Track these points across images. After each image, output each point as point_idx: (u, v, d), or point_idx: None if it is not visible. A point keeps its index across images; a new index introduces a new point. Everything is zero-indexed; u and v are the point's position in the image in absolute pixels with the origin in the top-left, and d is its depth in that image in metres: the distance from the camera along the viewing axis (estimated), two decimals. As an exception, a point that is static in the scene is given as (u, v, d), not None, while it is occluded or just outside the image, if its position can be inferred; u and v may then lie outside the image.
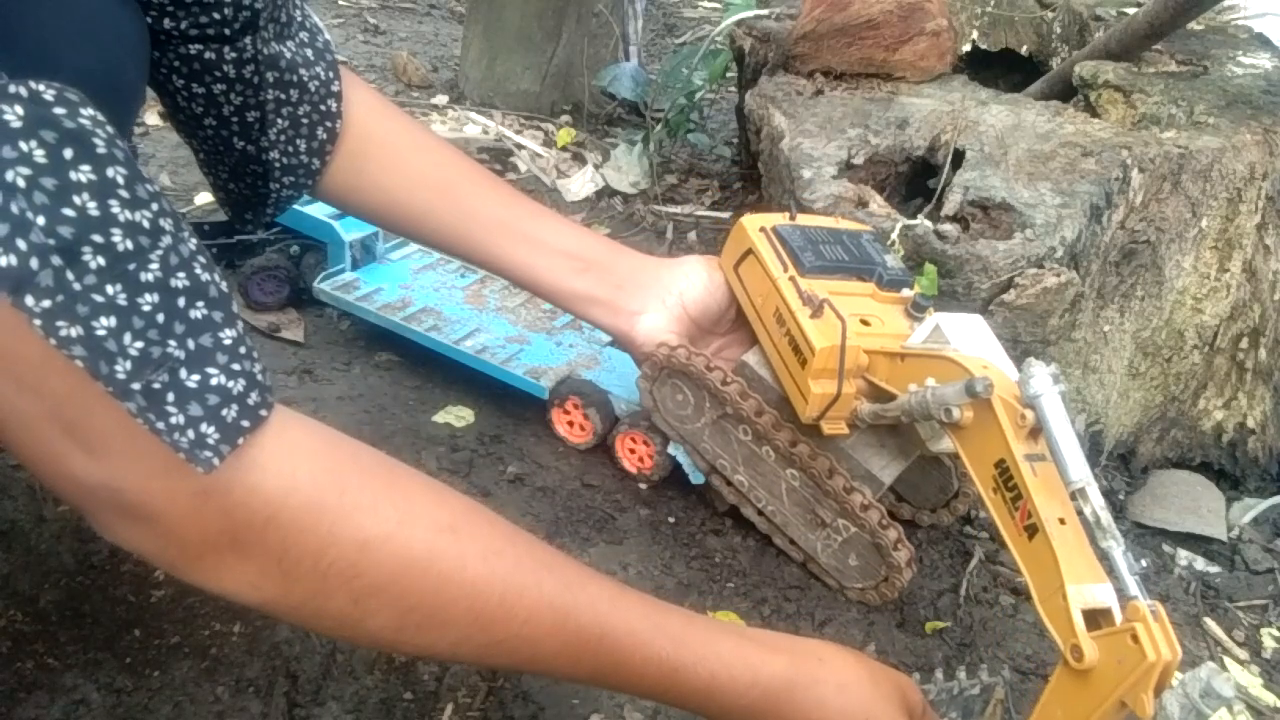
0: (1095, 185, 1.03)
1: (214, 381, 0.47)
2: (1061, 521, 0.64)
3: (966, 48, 1.49)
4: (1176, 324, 1.15)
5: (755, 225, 0.92)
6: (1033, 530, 0.65)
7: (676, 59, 1.86)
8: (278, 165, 0.80)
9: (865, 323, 0.84)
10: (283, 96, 0.77)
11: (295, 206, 1.20)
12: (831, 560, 0.92)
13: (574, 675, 0.60)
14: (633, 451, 1.04)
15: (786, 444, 0.89)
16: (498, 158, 1.72)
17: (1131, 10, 1.37)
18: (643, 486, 1.04)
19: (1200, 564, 1.08)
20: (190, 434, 0.47)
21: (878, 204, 1.06)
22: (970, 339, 0.79)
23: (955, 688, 0.73)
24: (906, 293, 0.88)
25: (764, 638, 0.66)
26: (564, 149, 1.79)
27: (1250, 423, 1.22)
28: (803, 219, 0.95)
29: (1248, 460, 1.23)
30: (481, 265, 0.97)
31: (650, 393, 0.97)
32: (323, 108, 0.80)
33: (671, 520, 0.99)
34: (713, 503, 1.00)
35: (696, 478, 1.00)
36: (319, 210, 1.20)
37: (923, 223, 1.00)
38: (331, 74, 0.80)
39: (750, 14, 1.52)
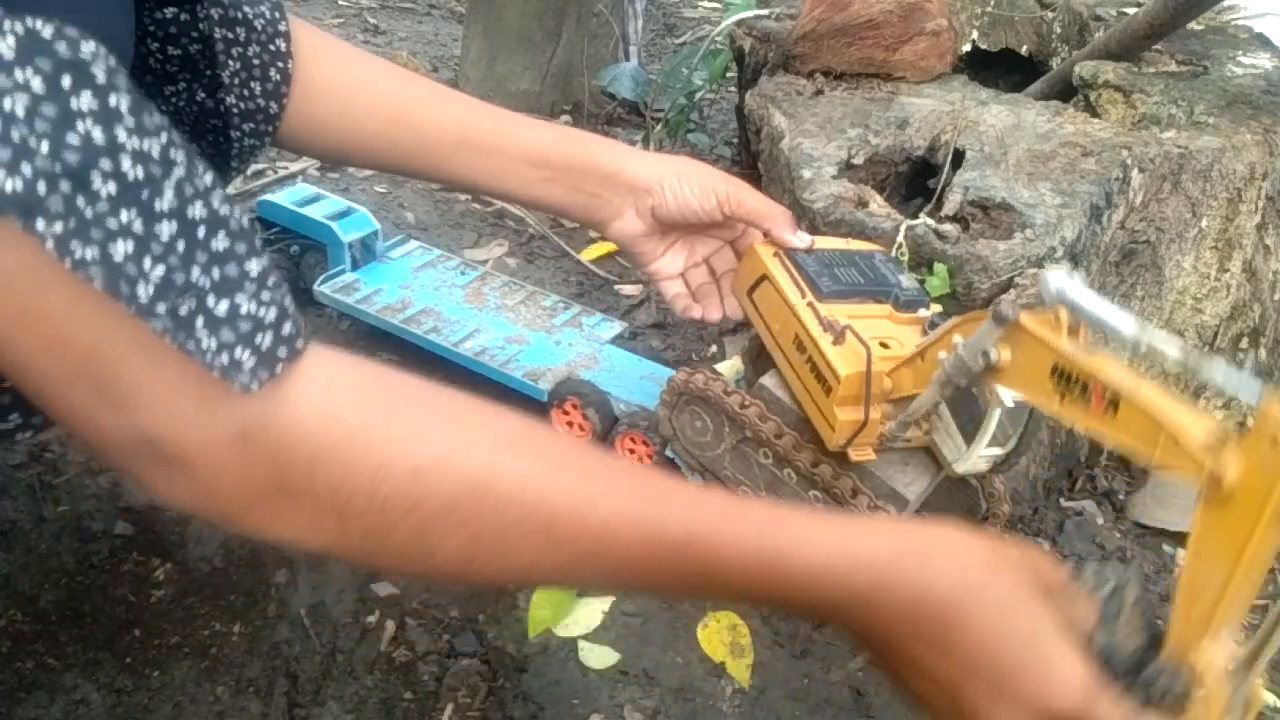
0: (1095, 185, 1.03)
1: (244, 310, 0.45)
2: (1138, 384, 0.61)
3: (966, 48, 1.49)
4: (1176, 324, 1.15)
5: (769, 251, 0.92)
6: (1114, 404, 0.61)
7: (676, 59, 1.86)
8: (236, 111, 0.78)
9: (884, 345, 0.84)
10: (230, 35, 0.75)
11: (295, 207, 1.21)
12: None
13: (665, 586, 0.56)
14: (632, 452, 1.04)
15: (808, 465, 0.88)
16: (498, 158, 1.71)
17: (1131, 10, 1.37)
18: (643, 486, 1.03)
19: (1200, 564, 1.08)
20: (224, 357, 0.45)
21: (878, 204, 1.06)
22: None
23: (1084, 588, 0.66)
24: (923, 313, 0.88)
25: (859, 519, 0.60)
26: (564, 149, 1.79)
27: (1250, 423, 1.22)
28: (814, 241, 0.95)
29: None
30: (452, 185, 0.95)
31: (669, 420, 0.97)
32: (271, 47, 0.78)
33: (671, 520, 0.99)
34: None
35: (695, 479, 1.00)
36: (319, 211, 1.21)
37: (923, 222, 1.00)
38: (277, 14, 0.79)
39: (750, 14, 1.52)
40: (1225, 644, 0.56)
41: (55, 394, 0.44)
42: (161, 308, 0.43)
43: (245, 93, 0.78)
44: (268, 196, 1.23)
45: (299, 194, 1.25)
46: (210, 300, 0.44)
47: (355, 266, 1.21)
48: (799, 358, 0.86)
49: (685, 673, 0.83)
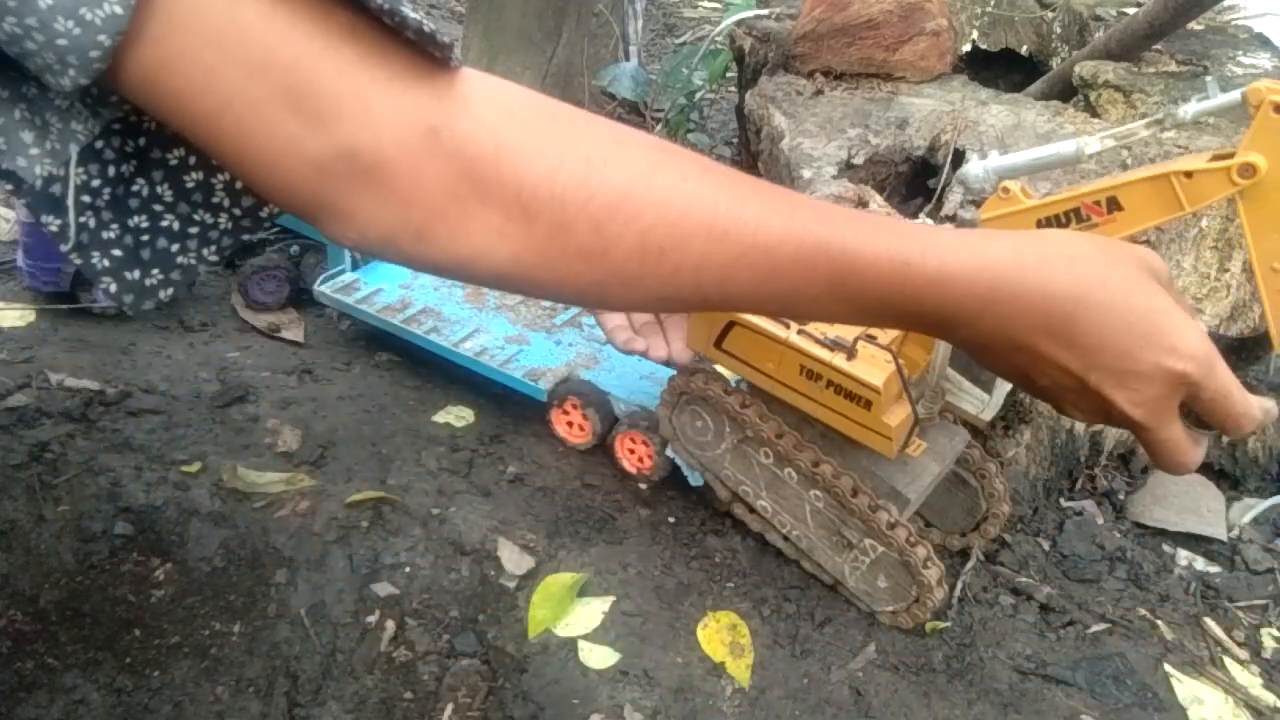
0: (1095, 185, 1.03)
1: (412, 15, 0.47)
2: (1120, 179, 0.64)
3: (966, 48, 1.49)
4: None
5: None
6: (1113, 202, 0.64)
7: (676, 59, 1.87)
8: None
9: (871, 337, 0.83)
10: None
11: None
12: (860, 584, 0.91)
13: (812, 290, 0.56)
14: (632, 452, 1.04)
15: (809, 464, 0.88)
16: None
17: (1131, 10, 1.37)
18: (642, 486, 1.04)
19: (1200, 564, 1.08)
20: (427, 37, 0.46)
21: (878, 204, 1.06)
22: None
23: None
24: None
25: (980, 230, 0.62)
26: (564, 149, 1.79)
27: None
28: None
29: (1248, 460, 1.23)
30: None
31: (669, 420, 0.97)
32: None
33: (671, 520, 0.99)
34: (712, 503, 1.00)
35: (695, 479, 1.00)
36: (319, 210, 1.21)
37: (923, 222, 1.00)
38: None
39: (750, 14, 1.52)
40: None
41: (256, 127, 0.45)
42: None
43: None
44: (268, 196, 1.23)
45: (299, 194, 1.24)
46: (391, 2, 0.46)
47: (355, 266, 1.21)
48: (815, 387, 0.84)
49: (685, 673, 0.83)
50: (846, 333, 0.83)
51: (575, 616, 0.87)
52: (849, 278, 0.55)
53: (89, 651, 0.79)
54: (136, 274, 0.57)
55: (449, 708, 0.80)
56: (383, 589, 0.88)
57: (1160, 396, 0.56)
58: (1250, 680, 0.94)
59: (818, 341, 0.84)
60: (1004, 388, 0.84)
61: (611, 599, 0.88)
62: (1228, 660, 0.96)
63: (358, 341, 1.22)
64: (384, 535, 0.91)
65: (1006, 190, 0.67)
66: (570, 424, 1.07)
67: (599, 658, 0.84)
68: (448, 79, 0.48)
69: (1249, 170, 0.58)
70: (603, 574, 0.91)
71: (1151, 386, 0.56)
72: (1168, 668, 0.92)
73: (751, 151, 1.33)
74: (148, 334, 1.17)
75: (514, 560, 0.91)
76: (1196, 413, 0.57)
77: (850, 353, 0.82)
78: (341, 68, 0.45)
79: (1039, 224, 0.67)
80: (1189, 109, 0.61)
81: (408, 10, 0.46)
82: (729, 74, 1.74)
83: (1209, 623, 0.99)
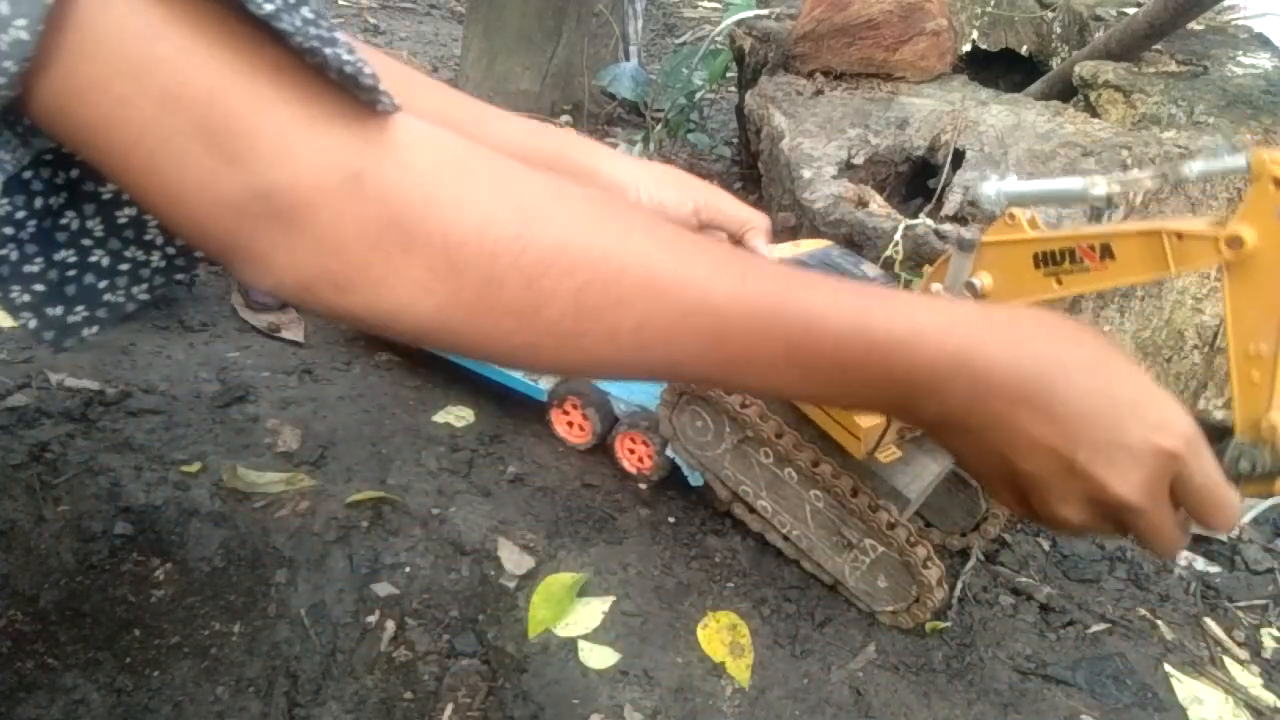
0: (1095, 185, 1.03)
1: (345, 57, 0.44)
2: (1118, 228, 0.63)
3: (966, 48, 1.49)
4: (1176, 324, 1.15)
5: None
6: (1106, 250, 0.63)
7: (676, 59, 1.87)
8: None
9: None
10: None
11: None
12: (861, 584, 0.91)
13: (766, 357, 0.52)
14: (632, 452, 1.04)
15: (809, 464, 0.88)
16: (498, 158, 1.72)
17: (1131, 10, 1.37)
18: (642, 486, 1.04)
19: (1200, 564, 1.08)
20: (357, 75, 0.44)
21: (878, 204, 1.06)
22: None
23: None
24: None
25: (938, 293, 0.60)
26: (564, 149, 1.79)
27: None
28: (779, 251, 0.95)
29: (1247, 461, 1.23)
30: None
31: (669, 420, 0.97)
32: None
33: (671, 520, 0.99)
34: (712, 503, 1.00)
35: (695, 479, 1.00)
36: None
37: (923, 222, 1.00)
38: None
39: (750, 14, 1.52)
40: None
41: (169, 163, 0.43)
42: (286, 21, 0.42)
43: None
44: (268, 196, 1.23)
45: (299, 194, 1.24)
46: (314, 42, 0.43)
47: (355, 266, 1.21)
48: None
49: (685, 673, 0.83)
50: None
51: (575, 616, 0.87)
52: (807, 340, 0.51)
53: (89, 651, 0.79)
54: (60, 310, 0.54)
55: (449, 708, 0.80)
56: (383, 589, 0.88)
57: (1151, 477, 0.52)
58: (1250, 680, 0.94)
59: None
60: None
61: (611, 599, 0.88)
62: (1228, 660, 0.96)
63: (358, 341, 1.22)
64: (384, 535, 0.91)
65: (1013, 217, 0.66)
66: (570, 424, 1.07)
67: (599, 658, 0.84)
68: (378, 123, 0.46)
69: (1237, 242, 0.55)
70: (603, 574, 0.91)
71: (1142, 465, 0.51)
72: (1168, 668, 0.92)
73: (751, 151, 1.33)
74: (148, 334, 1.17)
75: (514, 560, 0.91)
76: (1179, 502, 0.54)
77: None
78: (262, 105, 0.43)
79: (1036, 257, 0.66)
80: (1194, 167, 0.59)
81: (340, 51, 0.43)
82: (729, 74, 1.74)
83: (1209, 623, 0.99)
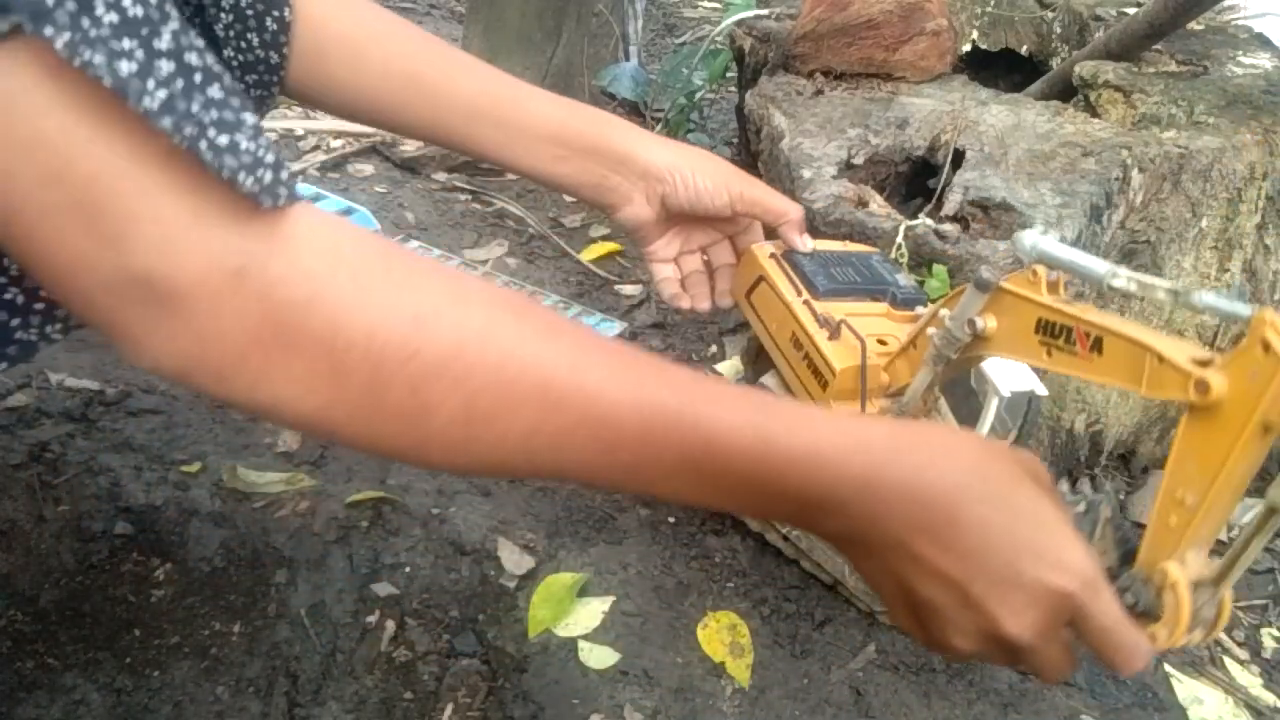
0: (1095, 185, 1.03)
1: (244, 147, 0.44)
2: (1118, 319, 0.62)
3: (966, 48, 1.49)
4: (1176, 324, 1.15)
5: (765, 253, 0.92)
6: (1098, 344, 0.61)
7: (676, 59, 1.87)
8: (235, 64, 0.77)
9: (882, 342, 0.84)
10: None
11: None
12: (861, 583, 0.91)
13: (660, 467, 0.51)
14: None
15: None
16: (498, 158, 1.71)
17: (1131, 10, 1.37)
18: (643, 486, 1.04)
19: (1200, 564, 1.08)
20: (238, 177, 0.43)
21: (878, 204, 1.06)
22: (1015, 380, 0.79)
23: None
24: (920, 311, 0.88)
25: (850, 411, 0.58)
26: (564, 149, 1.79)
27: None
28: (812, 243, 0.95)
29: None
30: (463, 153, 0.94)
31: None
32: None
33: (671, 520, 0.99)
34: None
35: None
36: (319, 210, 1.21)
37: (923, 222, 1.00)
38: None
39: (750, 14, 1.52)
40: (1196, 558, 0.55)
41: (47, 237, 0.42)
42: (167, 120, 0.41)
43: (242, 44, 0.77)
44: (268, 196, 1.23)
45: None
46: (211, 132, 0.43)
47: (355, 266, 1.21)
48: (796, 355, 0.86)
49: (685, 673, 0.83)
50: (838, 313, 0.84)
51: (575, 616, 0.87)
52: (703, 453, 0.51)
53: (89, 651, 0.79)
54: None
55: (449, 708, 0.80)
56: (383, 589, 0.88)
57: (1044, 617, 0.52)
58: (1250, 680, 0.94)
59: (813, 315, 0.85)
60: (984, 429, 0.82)
61: (611, 599, 0.88)
62: (1228, 660, 0.96)
63: (358, 341, 1.22)
64: (384, 535, 0.91)
65: (1035, 274, 0.66)
66: (570, 424, 1.07)
67: (599, 658, 0.84)
68: (269, 218, 0.45)
69: (1203, 388, 0.53)
70: (603, 574, 0.91)
71: (1036, 605, 0.51)
72: (1168, 668, 0.92)
73: (751, 151, 1.33)
74: (148, 334, 1.17)
75: (514, 560, 0.91)
76: (1081, 641, 0.53)
77: (833, 333, 0.83)
78: (146, 191, 0.42)
79: (1038, 322, 0.66)
80: (1204, 299, 0.57)
81: (224, 150, 0.43)
82: (729, 74, 1.74)
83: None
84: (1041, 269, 0.66)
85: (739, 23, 1.51)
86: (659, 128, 1.70)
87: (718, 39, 1.61)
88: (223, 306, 0.44)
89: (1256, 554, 0.58)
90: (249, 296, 0.44)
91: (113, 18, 0.41)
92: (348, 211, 1.22)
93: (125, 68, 0.40)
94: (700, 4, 2.96)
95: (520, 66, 1.89)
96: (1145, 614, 0.56)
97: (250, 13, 0.76)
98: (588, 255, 1.46)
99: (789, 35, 1.33)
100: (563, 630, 0.85)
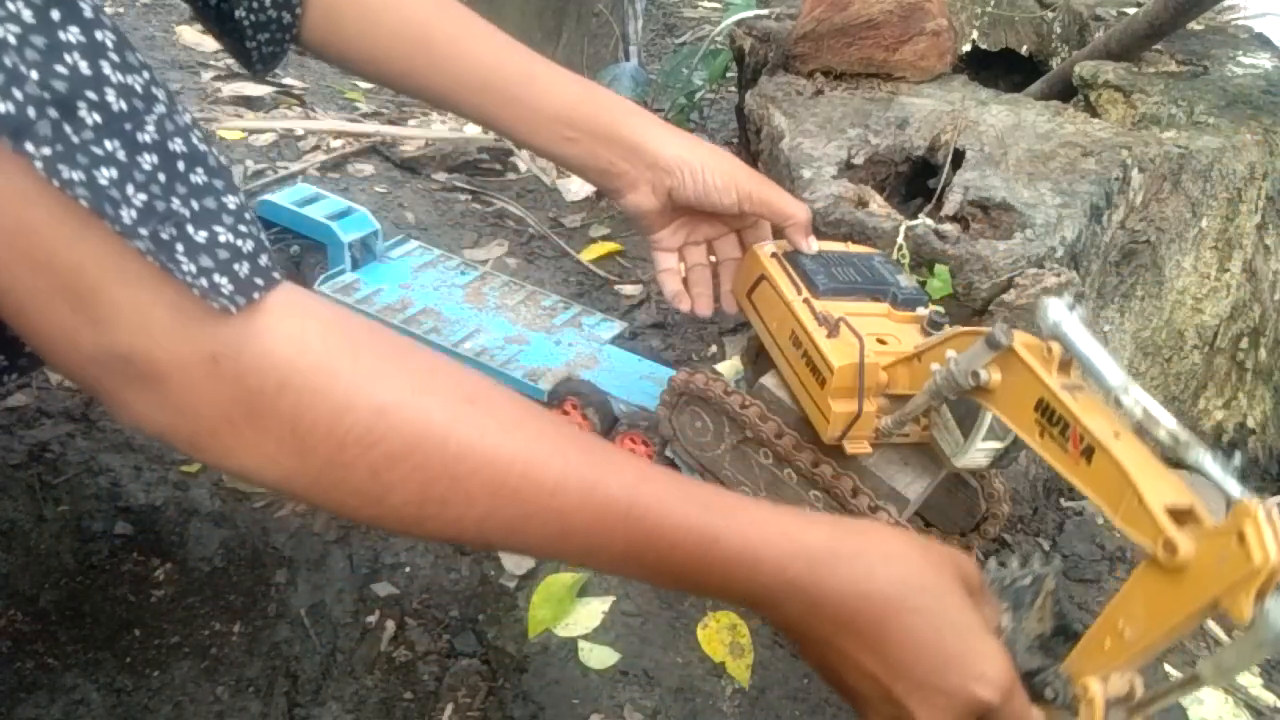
0: (1095, 185, 1.03)
1: (222, 239, 0.47)
2: (1116, 435, 0.62)
3: (966, 48, 1.49)
4: (1176, 324, 1.15)
5: (766, 252, 0.92)
6: (1089, 452, 0.62)
7: (676, 59, 1.87)
8: (248, 23, 0.79)
9: (882, 341, 0.84)
10: None
11: (295, 207, 1.21)
12: None
13: (610, 554, 0.55)
14: (632, 451, 1.04)
15: (808, 465, 0.88)
16: (498, 157, 1.72)
17: (1131, 10, 1.37)
18: (643, 486, 1.04)
19: (1200, 564, 1.08)
20: (204, 282, 0.46)
21: (878, 204, 1.06)
22: None
23: (1006, 577, 0.69)
24: (921, 311, 0.88)
25: (797, 510, 0.60)
26: (564, 149, 1.79)
27: (1250, 423, 1.22)
28: (817, 245, 0.95)
29: (1248, 460, 1.23)
30: (473, 121, 0.93)
31: (669, 420, 0.97)
32: None
33: (671, 520, 0.99)
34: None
35: (696, 479, 1.00)
36: (319, 211, 1.21)
37: (923, 222, 1.00)
38: None
39: (750, 14, 1.52)
40: (1119, 679, 0.58)
41: (34, 313, 0.46)
42: (144, 230, 0.44)
43: (254, 4, 0.79)
44: (268, 196, 1.23)
45: (299, 194, 1.25)
46: (190, 228, 0.46)
47: (355, 266, 1.21)
48: (795, 354, 0.86)
49: (685, 673, 0.83)
50: (838, 311, 0.84)
51: (575, 616, 0.87)
52: (646, 548, 0.54)
53: (89, 651, 0.79)
54: None
55: (449, 708, 0.80)
56: (383, 589, 0.88)
57: (960, 717, 0.56)
58: (1250, 680, 0.94)
59: (813, 313, 0.85)
60: (979, 441, 0.82)
61: (611, 599, 0.88)
62: (1228, 660, 0.96)
63: (358, 341, 1.22)
64: (384, 535, 0.91)
65: (1050, 351, 0.65)
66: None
67: (599, 658, 0.84)
68: (244, 309, 0.48)
69: (1171, 549, 0.54)
70: (602, 574, 0.91)
71: (954, 709, 0.55)
72: (1168, 668, 0.92)
73: (751, 151, 1.33)
74: (148, 334, 1.17)
75: (514, 560, 0.91)
76: None
77: (832, 330, 0.83)
78: (128, 282, 0.45)
79: (1039, 402, 0.66)
80: (1200, 459, 0.59)
81: (187, 263, 0.45)
82: (729, 74, 1.74)
83: (1209, 623, 0.99)
84: (1058, 347, 0.65)
85: (739, 23, 1.51)
86: (659, 128, 1.70)
87: (718, 39, 1.61)
88: (198, 387, 0.48)
89: (1174, 702, 0.60)
90: (223, 380, 0.48)
91: (96, 119, 0.43)
92: (347, 212, 1.22)
93: (105, 175, 0.43)
94: (700, 4, 2.96)
95: (520, 66, 1.89)
96: (1058, 710, 0.60)
97: None
98: (588, 255, 1.46)
99: (789, 35, 1.33)
100: (563, 630, 0.85)
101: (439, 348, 1.12)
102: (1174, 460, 0.61)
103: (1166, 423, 0.60)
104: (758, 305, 0.93)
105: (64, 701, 0.75)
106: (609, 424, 1.05)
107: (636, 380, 1.11)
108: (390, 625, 0.86)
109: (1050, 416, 0.65)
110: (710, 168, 0.90)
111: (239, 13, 0.78)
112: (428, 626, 0.86)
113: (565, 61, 1.88)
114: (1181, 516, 0.56)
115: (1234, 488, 0.56)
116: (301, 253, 1.23)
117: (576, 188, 1.66)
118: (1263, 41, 1.44)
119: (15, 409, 0.97)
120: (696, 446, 0.96)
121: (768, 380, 0.93)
